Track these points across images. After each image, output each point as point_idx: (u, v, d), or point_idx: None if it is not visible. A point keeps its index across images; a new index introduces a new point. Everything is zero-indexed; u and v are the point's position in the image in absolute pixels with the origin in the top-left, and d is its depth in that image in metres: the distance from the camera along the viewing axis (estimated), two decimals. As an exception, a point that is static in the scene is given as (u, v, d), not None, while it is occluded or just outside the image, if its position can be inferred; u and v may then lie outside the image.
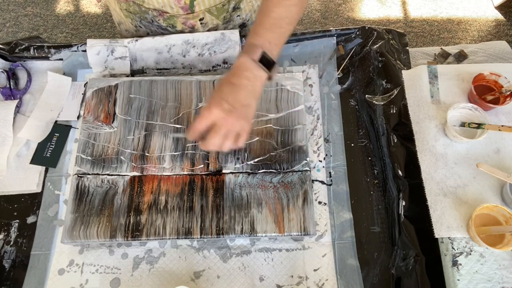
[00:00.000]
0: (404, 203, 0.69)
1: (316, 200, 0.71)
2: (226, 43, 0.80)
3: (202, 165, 0.71)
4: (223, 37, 0.80)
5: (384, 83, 0.79)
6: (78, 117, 0.79)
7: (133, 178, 0.70)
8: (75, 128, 0.79)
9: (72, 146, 0.77)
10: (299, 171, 0.70)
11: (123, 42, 0.81)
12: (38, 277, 0.67)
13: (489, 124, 0.69)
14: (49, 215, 0.71)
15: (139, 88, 0.78)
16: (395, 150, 0.73)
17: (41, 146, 0.76)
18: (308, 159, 0.71)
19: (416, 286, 0.63)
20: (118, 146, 0.73)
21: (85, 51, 0.82)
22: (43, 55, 0.85)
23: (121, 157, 0.72)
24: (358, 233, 0.69)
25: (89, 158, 0.72)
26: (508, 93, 0.72)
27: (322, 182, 0.73)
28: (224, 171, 0.71)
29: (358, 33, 0.84)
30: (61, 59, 0.85)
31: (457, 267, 0.63)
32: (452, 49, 0.86)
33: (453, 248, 0.65)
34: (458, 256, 0.64)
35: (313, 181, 0.73)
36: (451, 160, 0.71)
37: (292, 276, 0.66)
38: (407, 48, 0.86)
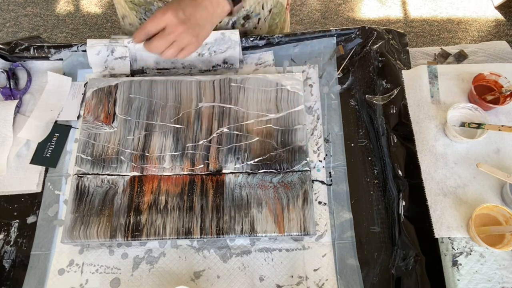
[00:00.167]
0: (404, 203, 0.69)
1: (316, 200, 0.71)
2: (226, 43, 0.81)
3: (202, 165, 0.71)
4: (223, 37, 0.80)
5: (384, 83, 0.79)
6: (78, 117, 0.79)
7: (133, 178, 0.70)
8: (75, 128, 0.79)
9: (72, 146, 0.77)
10: (299, 171, 0.70)
11: (123, 42, 0.81)
12: (38, 277, 0.67)
13: (489, 124, 0.69)
14: (49, 215, 0.71)
15: (139, 88, 0.78)
16: (395, 150, 0.73)
17: (41, 146, 0.76)
18: (308, 159, 0.71)
19: (416, 286, 0.63)
20: (118, 146, 0.73)
21: (85, 51, 0.82)
22: (43, 55, 0.85)
23: (121, 157, 0.72)
24: (358, 233, 0.69)
25: (89, 158, 0.72)
26: (508, 93, 0.72)
27: (322, 182, 0.73)
28: (224, 171, 0.71)
29: (358, 33, 0.84)
30: (61, 59, 0.85)
31: (457, 267, 0.63)
32: (452, 49, 0.86)
33: (453, 248, 0.65)
34: (458, 256, 0.64)
35: (313, 181, 0.73)
36: (451, 160, 0.71)
37: (292, 276, 0.66)
38: (407, 48, 0.86)
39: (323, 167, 0.74)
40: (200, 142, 0.73)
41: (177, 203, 0.68)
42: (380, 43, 0.82)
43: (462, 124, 0.73)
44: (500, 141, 0.72)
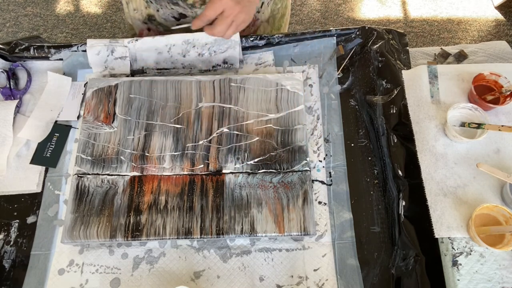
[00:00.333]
0: (404, 203, 0.69)
1: (316, 200, 0.71)
2: (226, 42, 0.80)
3: (202, 165, 0.71)
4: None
5: (384, 83, 0.79)
6: (78, 117, 0.79)
7: (133, 178, 0.70)
8: (75, 128, 0.79)
9: (72, 146, 0.77)
10: (299, 171, 0.70)
11: (123, 42, 0.81)
12: (38, 277, 0.67)
13: (489, 124, 0.69)
14: (49, 215, 0.71)
15: (139, 88, 0.78)
16: (395, 150, 0.73)
17: (41, 146, 0.76)
18: (308, 159, 0.71)
19: (416, 286, 0.63)
20: (118, 146, 0.73)
21: (85, 51, 0.82)
22: (43, 55, 0.85)
23: (121, 157, 0.72)
24: (358, 233, 0.69)
25: (89, 158, 0.72)
26: (508, 93, 0.72)
27: (322, 182, 0.73)
28: (224, 171, 0.71)
29: (358, 33, 0.84)
30: (61, 59, 0.85)
31: (457, 267, 0.63)
32: (452, 49, 0.86)
33: (453, 248, 0.65)
34: (458, 256, 0.64)
35: (313, 181, 0.73)
36: (451, 160, 0.71)
37: (292, 276, 0.66)
38: (407, 48, 0.86)
39: (323, 167, 0.74)
40: (200, 142, 0.73)
41: (177, 203, 0.68)
42: (380, 43, 0.82)
43: (462, 124, 0.73)
44: (500, 141, 0.72)
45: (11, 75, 0.82)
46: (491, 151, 0.71)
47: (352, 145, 0.76)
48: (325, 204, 0.71)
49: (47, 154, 0.76)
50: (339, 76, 0.82)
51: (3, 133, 0.76)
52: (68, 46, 0.85)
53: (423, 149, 0.72)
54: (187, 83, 0.78)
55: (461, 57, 0.85)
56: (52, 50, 0.85)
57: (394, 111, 0.76)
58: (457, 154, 0.71)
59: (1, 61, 0.83)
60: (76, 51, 0.84)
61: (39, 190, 0.73)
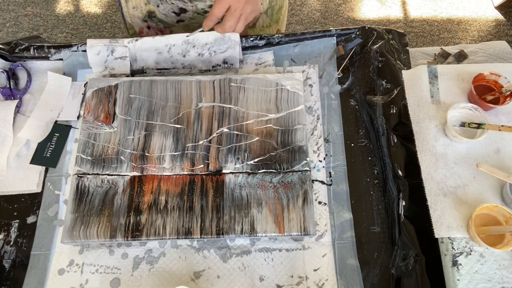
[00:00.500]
0: (404, 203, 0.69)
1: (316, 200, 0.71)
2: (226, 43, 0.81)
3: (202, 165, 0.71)
4: (223, 37, 0.80)
5: (384, 83, 0.79)
6: (78, 117, 0.79)
7: (133, 178, 0.70)
8: (75, 128, 0.79)
9: (72, 146, 0.77)
10: (299, 171, 0.70)
11: (123, 42, 0.81)
12: (38, 277, 0.67)
13: (489, 124, 0.69)
14: (49, 215, 0.71)
15: (139, 88, 0.78)
16: (395, 150, 0.73)
17: (41, 146, 0.76)
18: (308, 159, 0.71)
19: (416, 286, 0.63)
20: (118, 146, 0.73)
21: (85, 51, 0.82)
22: (43, 55, 0.85)
23: (121, 157, 0.72)
24: (358, 233, 0.69)
25: (89, 158, 0.72)
26: (508, 93, 0.72)
27: (322, 182, 0.73)
28: (224, 171, 0.71)
29: (358, 33, 0.84)
30: (61, 59, 0.85)
31: (457, 267, 0.63)
32: (452, 49, 0.86)
33: (453, 248, 0.65)
34: (458, 256, 0.64)
35: (313, 181, 0.73)
36: (451, 160, 0.71)
37: (292, 276, 0.66)
38: (407, 48, 0.86)
39: (323, 167, 0.74)
40: (200, 142, 0.73)
41: (177, 203, 0.68)
42: (380, 43, 0.82)
43: (462, 124, 0.73)
44: (500, 141, 0.72)
45: (11, 75, 0.82)
46: (491, 151, 0.71)
47: (352, 145, 0.76)
48: (325, 204, 0.71)
49: (47, 154, 0.76)
50: (339, 76, 0.82)
51: (3, 133, 0.76)
52: (68, 46, 0.85)
53: (423, 149, 0.72)
54: (187, 83, 0.78)
55: (461, 57, 0.85)
56: (52, 50, 0.85)
57: (394, 111, 0.76)
58: (457, 154, 0.71)
59: (1, 61, 0.83)
60: (76, 51, 0.84)
61: (39, 190, 0.73)
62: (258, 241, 0.69)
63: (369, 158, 0.75)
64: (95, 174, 0.71)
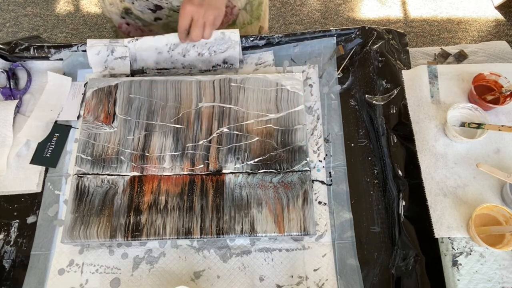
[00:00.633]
0: (404, 203, 0.69)
1: (316, 200, 0.71)
2: (226, 42, 0.81)
3: (202, 165, 0.71)
4: (223, 37, 0.80)
5: (384, 83, 0.79)
6: (78, 117, 0.79)
7: (133, 178, 0.70)
8: (75, 128, 0.79)
9: (72, 146, 0.77)
10: (299, 171, 0.70)
11: (123, 42, 0.81)
12: (38, 277, 0.67)
13: (489, 124, 0.69)
14: (49, 215, 0.71)
15: (139, 88, 0.78)
16: (395, 150, 0.73)
17: (41, 146, 0.76)
18: (308, 159, 0.71)
19: (416, 286, 0.63)
20: (118, 146, 0.73)
21: (85, 51, 0.82)
22: (43, 55, 0.85)
23: (121, 157, 0.72)
24: (358, 233, 0.69)
25: (89, 158, 0.72)
26: (508, 93, 0.72)
27: (322, 182, 0.73)
28: (224, 171, 0.71)
29: (358, 33, 0.84)
30: (61, 59, 0.85)
31: (457, 267, 0.63)
32: (452, 49, 0.86)
33: (453, 248, 0.65)
34: (458, 256, 0.64)
35: (313, 181, 0.73)
36: (451, 160, 0.71)
37: (292, 276, 0.66)
38: (407, 48, 0.86)
39: (323, 167, 0.74)
40: (200, 142, 0.73)
41: (177, 203, 0.68)
42: (380, 43, 0.82)
43: (462, 124, 0.73)
44: (500, 141, 0.72)
45: (11, 75, 0.82)
46: (491, 151, 0.71)
47: (352, 145, 0.76)
48: (325, 204, 0.71)
49: (47, 154, 0.76)
50: (339, 76, 0.82)
51: (3, 133, 0.76)
52: (68, 46, 0.85)
53: (423, 149, 0.72)
54: (187, 83, 0.78)
55: (461, 57, 0.85)
56: (52, 50, 0.85)
57: (394, 111, 0.76)
58: (457, 154, 0.71)
59: (1, 61, 0.83)
60: (76, 51, 0.84)
61: (39, 190, 0.73)
62: (258, 241, 0.69)
63: (369, 158, 0.75)
64: (95, 174, 0.71)
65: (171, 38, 0.80)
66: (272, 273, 0.66)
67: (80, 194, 0.69)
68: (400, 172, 0.71)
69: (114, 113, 0.76)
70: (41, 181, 0.74)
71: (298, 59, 0.84)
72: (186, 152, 0.72)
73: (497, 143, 0.72)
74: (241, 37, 0.82)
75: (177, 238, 0.66)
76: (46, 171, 0.75)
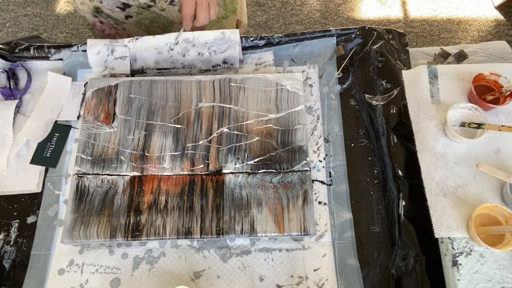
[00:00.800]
0: (404, 203, 0.69)
1: (316, 200, 0.71)
2: (226, 42, 0.81)
3: (202, 165, 0.71)
4: (223, 37, 0.80)
5: (384, 83, 0.79)
6: (78, 117, 0.79)
7: (133, 178, 0.70)
8: (75, 128, 0.79)
9: (72, 146, 0.77)
10: (299, 171, 0.70)
11: (123, 42, 0.81)
12: (38, 277, 0.67)
13: (489, 124, 0.69)
14: (49, 215, 0.71)
15: (139, 88, 0.78)
16: (395, 150, 0.73)
17: (41, 146, 0.76)
18: (308, 159, 0.71)
19: (416, 286, 0.63)
20: (118, 146, 0.73)
21: (85, 51, 0.82)
22: (43, 55, 0.85)
23: (121, 157, 0.72)
24: (358, 233, 0.69)
25: (89, 158, 0.72)
26: (508, 93, 0.72)
27: (322, 182, 0.73)
28: (224, 171, 0.71)
29: (358, 33, 0.84)
30: (61, 59, 0.85)
31: (457, 267, 0.63)
32: (452, 49, 0.86)
33: (453, 248, 0.65)
34: (458, 256, 0.64)
35: (313, 181, 0.73)
36: (451, 160, 0.71)
37: (292, 276, 0.66)
38: (407, 48, 0.86)
39: (323, 167, 0.74)
40: (200, 142, 0.73)
41: (177, 203, 0.68)
42: (380, 43, 0.82)
43: (462, 124, 0.73)
44: (500, 141, 0.72)
45: (11, 75, 0.82)
46: (491, 151, 0.71)
47: (352, 145, 0.76)
48: (325, 204, 0.71)
49: (47, 154, 0.76)
50: (339, 76, 0.82)
51: (3, 133, 0.76)
52: (68, 46, 0.85)
53: (423, 149, 0.72)
54: (187, 83, 0.78)
55: (461, 57, 0.85)
56: (52, 50, 0.85)
57: (394, 111, 0.76)
58: (457, 154, 0.71)
59: (1, 61, 0.83)
60: (76, 51, 0.84)
61: (39, 190, 0.73)
62: (258, 241, 0.69)
63: (369, 158, 0.75)
64: (95, 174, 0.71)
65: (171, 37, 0.80)
66: (272, 273, 0.66)
67: (80, 194, 0.69)
68: (400, 172, 0.71)
69: (114, 113, 0.76)
70: (41, 181, 0.74)
71: (298, 59, 0.84)
72: (186, 152, 0.72)
73: (497, 143, 0.72)
74: (241, 37, 0.82)
75: (177, 238, 0.66)
76: (46, 171, 0.75)
